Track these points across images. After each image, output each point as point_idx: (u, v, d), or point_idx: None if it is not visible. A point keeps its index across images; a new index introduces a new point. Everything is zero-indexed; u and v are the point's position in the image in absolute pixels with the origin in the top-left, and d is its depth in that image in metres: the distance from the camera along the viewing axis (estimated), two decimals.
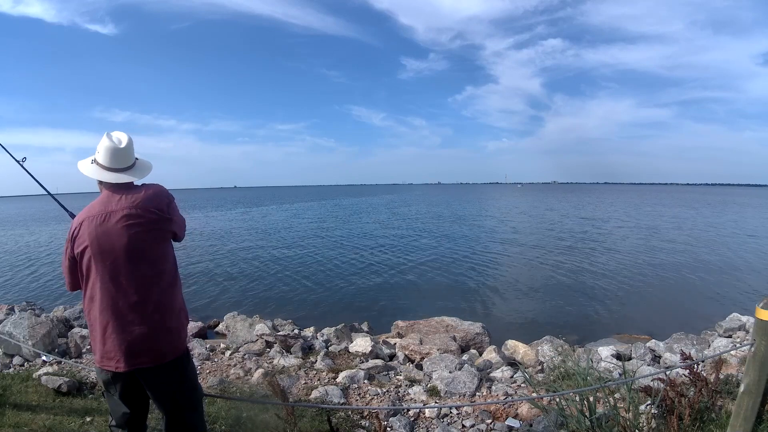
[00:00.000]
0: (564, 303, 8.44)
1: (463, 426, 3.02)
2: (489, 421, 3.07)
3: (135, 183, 1.85)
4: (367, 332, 6.39)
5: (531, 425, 2.90)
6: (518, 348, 5.32)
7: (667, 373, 2.86)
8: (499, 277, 10.83)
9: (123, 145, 1.79)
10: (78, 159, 1.87)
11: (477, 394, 3.67)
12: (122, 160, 1.80)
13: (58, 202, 2.50)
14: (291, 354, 4.82)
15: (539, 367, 4.74)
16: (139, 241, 1.69)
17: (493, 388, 3.76)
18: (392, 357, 5.07)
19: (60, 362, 4.14)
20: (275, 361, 4.50)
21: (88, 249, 1.70)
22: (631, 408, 2.31)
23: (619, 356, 4.71)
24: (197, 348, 4.80)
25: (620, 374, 3.66)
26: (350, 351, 5.03)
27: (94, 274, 1.69)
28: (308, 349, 5.06)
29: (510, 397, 3.46)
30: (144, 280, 1.70)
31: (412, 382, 3.98)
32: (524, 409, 3.12)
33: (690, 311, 7.74)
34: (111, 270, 1.68)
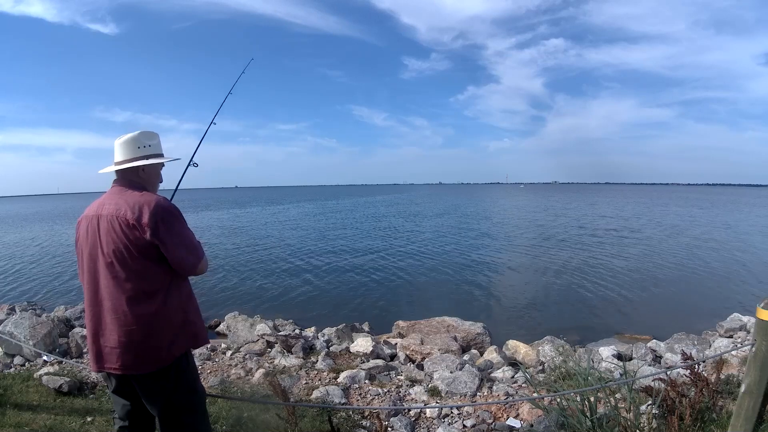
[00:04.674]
0: (565, 303, 8.44)
1: (464, 426, 3.03)
2: (490, 421, 3.07)
3: (150, 190, 1.83)
4: (368, 332, 6.39)
5: (532, 425, 2.90)
6: (519, 348, 5.33)
7: (668, 373, 2.86)
8: (500, 277, 10.83)
9: (120, 140, 1.81)
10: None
11: (478, 394, 3.68)
12: (117, 153, 1.82)
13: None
14: (292, 354, 4.82)
15: (540, 368, 4.74)
16: (117, 252, 1.65)
17: (494, 388, 3.76)
18: (393, 357, 5.07)
19: (61, 362, 4.14)
20: (276, 361, 4.51)
21: (80, 250, 1.78)
22: (632, 408, 2.31)
23: (620, 356, 4.72)
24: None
25: (621, 374, 3.65)
26: (351, 351, 5.04)
27: (84, 275, 1.76)
28: (309, 349, 5.07)
29: (511, 397, 3.46)
30: (118, 290, 1.65)
31: (413, 382, 3.98)
32: (525, 409, 3.12)
33: (691, 311, 7.73)
34: (92, 274, 1.72)
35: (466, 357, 4.87)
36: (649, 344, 5.23)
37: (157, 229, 1.65)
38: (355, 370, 4.03)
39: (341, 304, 8.61)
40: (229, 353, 4.84)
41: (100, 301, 1.69)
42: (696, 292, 9.24)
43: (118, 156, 1.81)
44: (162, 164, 1.91)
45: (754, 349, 1.92)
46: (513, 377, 4.17)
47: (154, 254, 1.67)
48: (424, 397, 3.62)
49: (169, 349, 1.70)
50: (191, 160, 2.57)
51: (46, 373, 3.63)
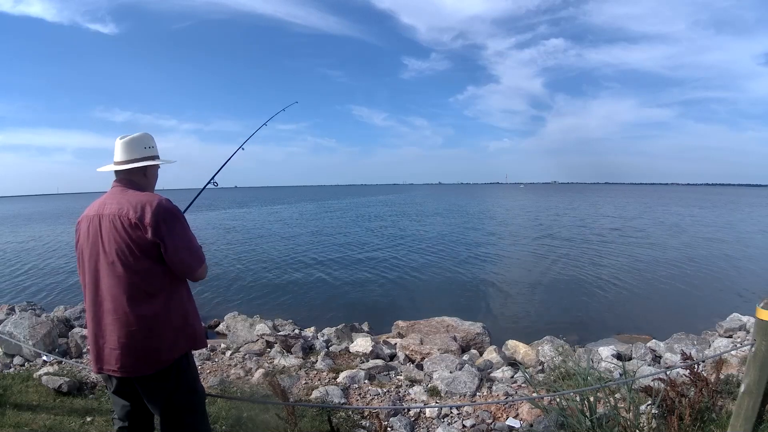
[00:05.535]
0: (565, 303, 8.44)
1: (464, 426, 3.02)
2: (489, 421, 3.07)
3: (151, 191, 1.84)
4: (367, 332, 6.39)
5: (531, 425, 2.90)
6: (519, 348, 5.33)
7: (668, 373, 2.86)
8: (499, 277, 10.83)
9: (124, 139, 1.80)
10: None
11: (477, 394, 3.67)
12: (123, 152, 1.80)
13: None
14: (291, 354, 4.82)
15: (540, 367, 4.74)
16: (119, 251, 1.64)
17: (494, 388, 3.76)
18: (393, 357, 5.07)
19: (60, 362, 4.14)
20: (276, 361, 4.51)
21: (81, 249, 1.76)
22: (631, 408, 2.31)
23: (619, 356, 4.72)
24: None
25: (621, 374, 3.66)
26: (351, 351, 5.03)
27: (84, 274, 1.74)
28: (309, 349, 5.07)
29: (510, 397, 3.46)
30: (119, 291, 1.64)
31: (413, 382, 3.98)
32: (525, 409, 3.12)
33: (690, 311, 7.73)
34: (93, 274, 1.70)
35: (465, 357, 4.86)
36: (648, 344, 5.23)
37: (159, 228, 1.64)
38: (354, 370, 4.03)
39: (341, 304, 8.61)
40: (228, 353, 4.84)
41: (100, 301, 1.68)
42: (696, 292, 9.23)
43: (123, 155, 1.80)
44: (158, 166, 1.93)
45: (753, 348, 1.92)
46: (512, 377, 4.16)
47: (156, 254, 1.67)
48: (424, 397, 3.62)
49: (169, 351, 1.70)
50: (212, 179, 2.66)
51: (46, 373, 3.62)
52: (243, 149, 2.92)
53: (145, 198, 1.69)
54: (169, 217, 1.69)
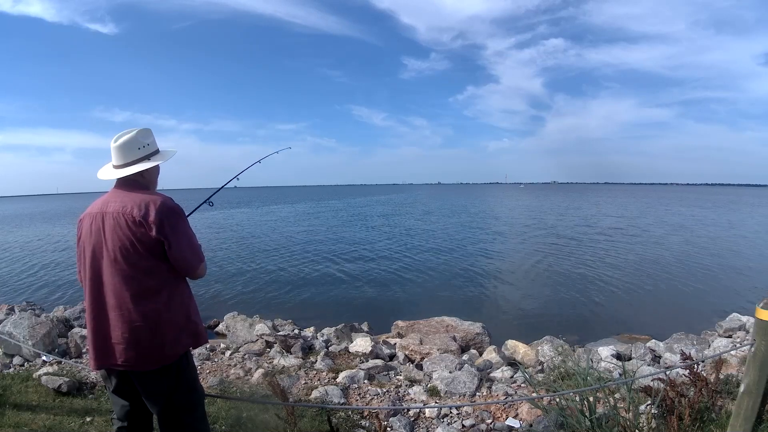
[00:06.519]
0: (564, 303, 8.44)
1: (464, 426, 3.02)
2: (489, 421, 3.07)
3: (152, 189, 1.85)
4: (367, 332, 6.39)
5: (531, 425, 2.90)
6: (518, 348, 5.33)
7: (667, 373, 2.86)
8: (499, 277, 10.83)
9: (117, 143, 1.80)
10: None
11: (477, 394, 3.67)
12: (117, 156, 1.81)
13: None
14: (291, 354, 4.82)
15: (539, 367, 4.74)
16: (122, 249, 1.65)
17: (494, 388, 3.76)
18: (392, 357, 5.07)
19: (60, 362, 4.14)
20: (275, 361, 4.50)
21: (83, 246, 1.77)
22: (631, 408, 2.31)
23: (619, 356, 4.71)
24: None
25: (620, 374, 3.65)
26: (350, 351, 5.03)
27: (85, 271, 1.75)
28: (308, 349, 5.07)
29: (510, 397, 3.46)
30: (123, 288, 1.65)
31: (412, 382, 3.98)
32: (524, 409, 3.12)
33: (690, 311, 7.74)
34: (95, 270, 1.71)
35: (465, 357, 4.86)
36: (648, 344, 5.23)
37: (163, 226, 1.66)
38: (354, 370, 4.03)
39: (340, 304, 8.61)
40: (228, 353, 4.84)
41: (103, 298, 1.69)
42: (695, 292, 9.24)
43: (118, 159, 1.81)
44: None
45: (753, 348, 1.92)
46: (512, 377, 4.16)
47: (159, 252, 1.69)
48: (423, 397, 3.62)
49: (172, 347, 1.72)
50: (209, 199, 2.74)
51: (45, 373, 3.62)
52: (238, 179, 2.99)
53: (149, 197, 1.72)
54: (172, 216, 1.71)
